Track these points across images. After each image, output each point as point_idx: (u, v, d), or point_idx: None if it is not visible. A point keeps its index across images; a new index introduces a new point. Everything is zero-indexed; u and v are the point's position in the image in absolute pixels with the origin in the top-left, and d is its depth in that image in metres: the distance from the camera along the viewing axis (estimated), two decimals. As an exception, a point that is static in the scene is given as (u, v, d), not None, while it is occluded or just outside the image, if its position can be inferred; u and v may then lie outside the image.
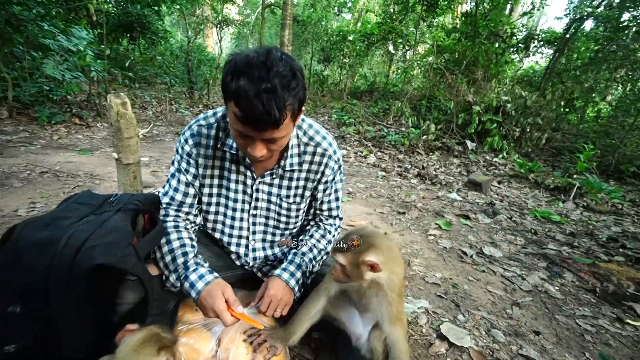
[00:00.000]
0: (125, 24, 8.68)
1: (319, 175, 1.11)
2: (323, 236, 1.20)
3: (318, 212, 1.22)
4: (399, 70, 10.88)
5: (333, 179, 1.14)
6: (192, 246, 1.03)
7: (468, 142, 6.01)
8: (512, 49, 8.60)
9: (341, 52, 11.46)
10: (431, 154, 5.66)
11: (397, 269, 0.85)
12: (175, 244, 1.00)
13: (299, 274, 1.09)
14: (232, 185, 1.08)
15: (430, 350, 1.25)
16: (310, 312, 0.97)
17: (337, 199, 1.20)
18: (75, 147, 3.69)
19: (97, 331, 0.77)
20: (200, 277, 0.94)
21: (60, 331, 0.70)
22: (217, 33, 13.00)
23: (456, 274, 1.88)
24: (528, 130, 6.14)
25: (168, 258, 0.98)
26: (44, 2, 4.38)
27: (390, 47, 11.27)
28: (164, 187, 1.10)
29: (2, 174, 2.51)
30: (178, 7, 9.70)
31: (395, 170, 4.35)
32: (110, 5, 8.49)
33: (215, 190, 1.09)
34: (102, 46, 5.88)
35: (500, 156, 5.70)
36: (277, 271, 1.08)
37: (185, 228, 1.07)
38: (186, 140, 1.03)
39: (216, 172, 1.06)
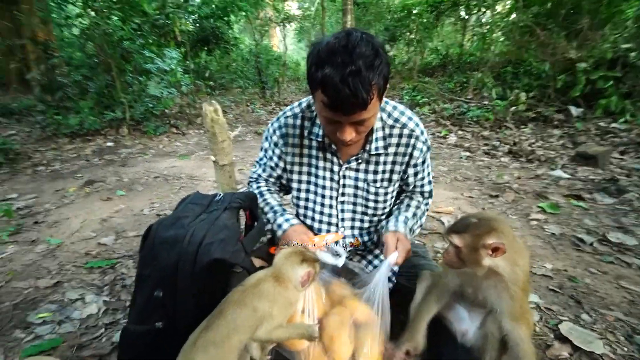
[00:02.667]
0: (202, 38, 9.67)
1: (407, 158, 1.07)
2: (419, 205, 1.16)
3: (409, 191, 1.19)
4: (475, 37, 9.65)
5: (423, 161, 1.10)
6: (281, 204, 1.18)
7: (572, 109, 5.03)
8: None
9: (407, 28, 10.71)
10: (523, 127, 4.92)
11: (521, 260, 0.75)
12: (271, 200, 1.17)
13: (407, 229, 1.06)
14: (320, 172, 1.11)
15: (549, 352, 1.09)
16: (426, 319, 0.92)
17: (429, 181, 1.17)
18: (176, 153, 4.29)
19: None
20: (287, 220, 1.09)
21: (185, 315, 0.82)
22: (281, 31, 13.50)
23: (572, 265, 1.60)
24: (664, 82, 4.81)
25: (266, 209, 1.14)
26: (143, 34, 5.14)
27: (463, 13, 10.05)
28: (254, 166, 1.24)
29: (129, 180, 3.07)
30: (244, 13, 10.36)
31: (481, 149, 3.92)
32: (190, 24, 9.52)
33: (304, 178, 1.14)
34: (187, 62, 6.67)
35: (621, 120, 4.61)
36: (391, 227, 1.05)
37: (276, 192, 1.23)
38: (274, 131, 1.12)
39: (304, 160, 1.12)
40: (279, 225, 1.08)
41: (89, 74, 5.27)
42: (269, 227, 1.14)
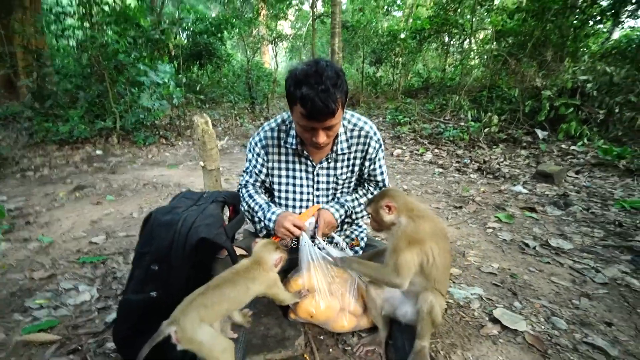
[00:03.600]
0: (195, 53, 9.94)
1: (364, 154, 1.36)
2: (365, 194, 1.44)
3: (366, 183, 1.46)
4: (456, 63, 10.31)
5: (376, 155, 1.38)
6: (267, 202, 1.38)
7: (538, 131, 5.47)
8: (594, 19, 7.42)
9: (393, 52, 11.33)
10: (495, 147, 5.31)
11: (421, 220, 1.02)
12: (260, 200, 1.36)
13: (342, 211, 1.35)
14: (297, 174, 1.36)
15: (482, 331, 1.29)
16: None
17: (382, 172, 1.43)
18: (165, 162, 4.42)
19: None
20: (273, 212, 1.29)
21: (177, 287, 0.99)
22: (273, 49, 13.95)
23: (515, 265, 1.84)
24: (617, 111, 5.33)
25: (256, 208, 1.35)
26: (138, 48, 5.34)
27: (447, 39, 10.75)
28: (242, 176, 1.45)
29: (119, 187, 3.19)
30: (237, 30, 10.75)
31: (453, 166, 4.23)
32: (183, 40, 9.81)
33: (284, 180, 1.38)
34: (179, 75, 6.88)
35: (580, 143, 5.06)
36: (326, 206, 1.35)
37: (262, 192, 1.44)
38: (256, 144, 1.36)
39: (283, 164, 1.36)
40: (269, 219, 1.29)
41: (82, 83, 5.40)
42: (262, 224, 1.34)
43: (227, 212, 1.31)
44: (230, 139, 6.20)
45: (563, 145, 5.12)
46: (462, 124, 6.17)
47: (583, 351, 1.20)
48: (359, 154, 1.36)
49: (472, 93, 7.62)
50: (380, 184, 1.45)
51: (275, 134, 1.33)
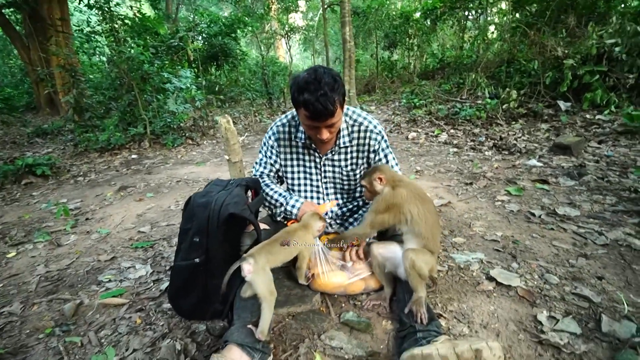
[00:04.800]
0: (211, 55, 10.30)
1: (367, 147, 1.50)
2: None
3: None
4: (472, 39, 9.96)
5: (379, 147, 1.51)
6: (285, 190, 1.60)
7: (560, 103, 5.31)
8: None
9: (406, 34, 11.12)
10: (514, 123, 5.22)
11: (400, 187, 1.24)
12: (278, 189, 1.58)
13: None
14: (307, 164, 1.56)
15: (478, 287, 1.46)
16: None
17: (387, 161, 1.54)
18: (193, 161, 4.79)
19: (231, 260, 1.29)
20: (297, 200, 1.53)
21: (214, 254, 1.23)
22: (286, 42, 14.10)
23: (519, 232, 1.95)
24: (649, 73, 5.03)
25: (275, 196, 1.56)
26: (161, 57, 5.72)
27: (464, 13, 10.38)
28: (255, 166, 1.65)
29: (155, 185, 3.56)
30: (250, 28, 11.00)
31: (468, 145, 4.26)
32: (199, 43, 10.20)
33: (296, 169, 1.59)
34: (199, 79, 7.25)
35: (606, 112, 4.87)
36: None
37: (277, 182, 1.66)
38: (269, 137, 1.56)
39: (294, 156, 1.56)
40: (292, 206, 1.51)
41: (114, 94, 5.90)
42: (282, 209, 1.54)
43: (249, 195, 1.55)
44: (251, 134, 6.51)
45: (587, 116, 4.96)
46: (479, 102, 6.08)
47: (569, 300, 1.33)
48: (361, 148, 1.50)
49: (490, 69, 7.41)
50: None
51: (287, 129, 1.52)
